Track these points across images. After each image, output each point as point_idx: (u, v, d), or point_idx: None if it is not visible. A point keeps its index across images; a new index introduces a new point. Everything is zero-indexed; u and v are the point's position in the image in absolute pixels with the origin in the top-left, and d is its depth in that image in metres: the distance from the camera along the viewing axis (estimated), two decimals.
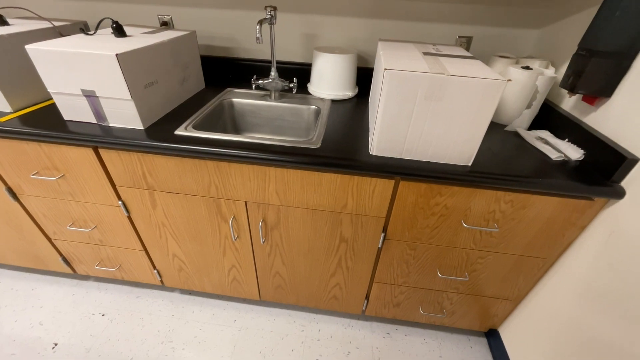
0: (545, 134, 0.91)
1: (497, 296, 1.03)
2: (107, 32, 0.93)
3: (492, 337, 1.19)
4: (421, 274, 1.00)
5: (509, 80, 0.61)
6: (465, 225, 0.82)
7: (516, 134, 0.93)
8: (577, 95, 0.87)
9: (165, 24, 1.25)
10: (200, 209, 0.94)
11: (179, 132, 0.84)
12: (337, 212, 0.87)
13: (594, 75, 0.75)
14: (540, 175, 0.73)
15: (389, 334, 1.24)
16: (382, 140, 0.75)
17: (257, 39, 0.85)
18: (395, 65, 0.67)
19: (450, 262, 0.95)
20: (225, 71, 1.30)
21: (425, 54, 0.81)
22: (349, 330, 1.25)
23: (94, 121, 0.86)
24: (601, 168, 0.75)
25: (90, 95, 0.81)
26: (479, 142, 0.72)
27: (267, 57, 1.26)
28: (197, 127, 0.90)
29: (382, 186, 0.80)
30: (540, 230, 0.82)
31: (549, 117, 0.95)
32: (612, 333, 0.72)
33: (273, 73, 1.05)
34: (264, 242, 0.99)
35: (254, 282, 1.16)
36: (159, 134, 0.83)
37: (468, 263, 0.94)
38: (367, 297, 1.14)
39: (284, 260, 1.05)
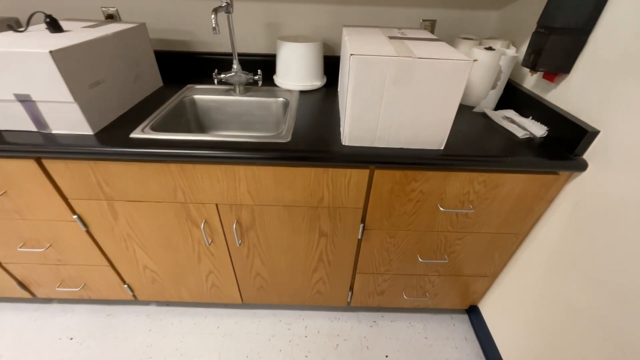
0: (511, 113, 0.93)
1: (475, 274, 1.06)
2: (41, 27, 0.83)
3: (473, 313, 1.24)
4: (402, 260, 1.01)
5: (475, 60, 0.61)
6: (441, 209, 0.82)
7: (484, 115, 0.94)
8: (538, 73, 0.89)
9: (111, 17, 1.14)
10: (168, 216, 0.88)
11: (136, 135, 0.77)
12: (314, 206, 0.85)
13: (553, 52, 0.76)
14: (509, 154, 0.75)
15: (375, 322, 1.25)
16: (353, 129, 0.73)
17: (214, 29, 0.79)
18: (362, 50, 0.64)
19: (430, 246, 0.96)
20: (185, 67, 1.21)
21: (391, 38, 0.79)
22: (336, 323, 1.24)
23: (34, 129, 0.76)
24: (564, 143, 0.77)
25: (25, 100, 0.72)
26: (449, 125, 0.71)
27: (229, 49, 1.19)
28: (156, 129, 0.83)
29: (357, 176, 0.78)
30: (512, 207, 0.85)
31: (513, 96, 0.97)
32: (582, 298, 0.75)
33: (235, 66, 0.99)
34: (240, 244, 0.95)
35: (234, 285, 1.11)
36: (112, 138, 0.76)
37: (447, 245, 0.95)
38: (351, 289, 1.13)
39: (264, 260, 1.02)
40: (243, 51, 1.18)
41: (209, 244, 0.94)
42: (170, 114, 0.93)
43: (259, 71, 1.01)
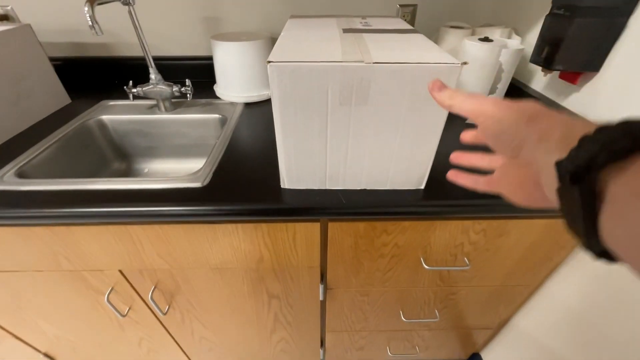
0: None
1: (475, 327, 0.84)
2: None
3: None
4: (381, 318, 0.79)
5: (465, 63, 0.38)
6: (426, 266, 0.60)
7: None
8: (553, 72, 0.66)
9: (5, 19, 0.90)
10: (59, 286, 0.65)
11: None
12: (253, 268, 0.62)
13: (577, 42, 0.53)
14: None
15: None
16: (291, 168, 0.50)
17: (91, 27, 0.55)
18: (287, 55, 0.41)
19: (415, 301, 0.74)
20: (108, 76, 0.97)
21: (346, 31, 0.55)
22: None
23: None
24: None
25: None
26: (430, 159, 0.48)
27: (162, 52, 0.95)
28: (29, 173, 0.60)
29: (304, 231, 0.55)
30: (522, 256, 0.62)
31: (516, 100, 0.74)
32: None
33: (153, 75, 0.76)
34: (166, 313, 0.72)
35: (177, 349, 0.90)
36: None
37: (437, 301, 0.73)
38: (322, 346, 0.92)
39: (205, 324, 0.80)
40: (174, 54, 0.94)
41: (124, 315, 0.71)
42: (64, 145, 0.70)
43: (187, 81, 0.78)
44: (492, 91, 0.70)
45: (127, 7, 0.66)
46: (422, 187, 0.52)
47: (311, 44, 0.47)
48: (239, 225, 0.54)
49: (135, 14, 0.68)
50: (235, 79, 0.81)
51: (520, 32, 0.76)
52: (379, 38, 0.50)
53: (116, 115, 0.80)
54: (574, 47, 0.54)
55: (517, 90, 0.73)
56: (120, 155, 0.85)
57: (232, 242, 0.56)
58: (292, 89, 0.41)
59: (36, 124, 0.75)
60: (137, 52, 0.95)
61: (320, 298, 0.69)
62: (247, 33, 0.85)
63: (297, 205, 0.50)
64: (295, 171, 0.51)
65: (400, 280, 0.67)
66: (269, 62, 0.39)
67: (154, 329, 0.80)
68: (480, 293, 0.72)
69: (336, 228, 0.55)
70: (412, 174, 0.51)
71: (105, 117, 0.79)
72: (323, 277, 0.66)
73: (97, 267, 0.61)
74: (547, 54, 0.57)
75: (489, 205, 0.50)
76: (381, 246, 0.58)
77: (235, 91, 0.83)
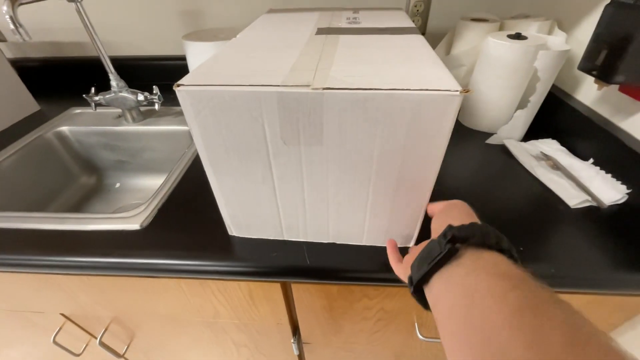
0: (552, 148, 0.54)
1: None
2: None
3: None
4: None
5: (467, 91, 0.24)
6: (421, 337, 0.46)
7: (503, 150, 0.56)
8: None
9: None
10: (6, 322, 0.59)
11: None
12: (210, 321, 0.52)
13: None
14: (545, 254, 0.37)
15: None
16: (236, 215, 0.39)
17: (14, 31, 0.46)
18: (211, 74, 0.29)
19: (416, 357, 0.61)
20: (86, 79, 0.89)
21: (321, 31, 0.42)
22: None
23: None
24: None
25: None
26: (419, 213, 0.35)
27: (134, 52, 0.85)
28: None
29: (260, 290, 0.44)
30: None
31: (555, 116, 0.57)
32: None
33: (114, 82, 0.66)
34: (124, 354, 0.64)
35: None
36: None
37: (444, 358, 0.60)
38: None
39: None
40: (150, 54, 0.84)
41: (79, 354, 0.64)
42: (18, 160, 0.63)
43: (155, 88, 0.67)
44: (522, 105, 0.54)
45: (73, 4, 0.56)
46: (412, 244, 0.39)
47: (259, 53, 0.34)
48: (181, 281, 0.43)
49: (84, 11, 0.58)
50: None
51: (565, 27, 0.58)
52: (359, 42, 0.37)
53: (79, 126, 0.71)
54: None
55: (557, 103, 0.56)
56: (88, 169, 0.77)
57: (177, 296, 0.46)
58: (215, 123, 0.29)
59: None
60: (116, 51, 0.86)
61: (295, 353, 0.58)
62: (227, 30, 0.73)
63: (247, 264, 0.38)
64: (243, 219, 0.39)
65: (392, 342, 0.54)
66: (178, 85, 0.27)
67: None
68: None
69: (302, 290, 0.43)
70: (396, 230, 0.37)
71: (66, 129, 0.71)
72: (296, 331, 0.55)
73: (37, 310, 0.54)
74: (605, 60, 0.40)
75: None
76: (363, 310, 0.46)
77: None
